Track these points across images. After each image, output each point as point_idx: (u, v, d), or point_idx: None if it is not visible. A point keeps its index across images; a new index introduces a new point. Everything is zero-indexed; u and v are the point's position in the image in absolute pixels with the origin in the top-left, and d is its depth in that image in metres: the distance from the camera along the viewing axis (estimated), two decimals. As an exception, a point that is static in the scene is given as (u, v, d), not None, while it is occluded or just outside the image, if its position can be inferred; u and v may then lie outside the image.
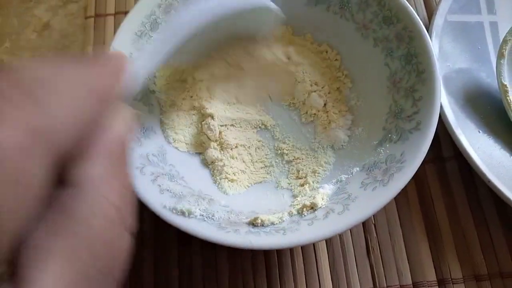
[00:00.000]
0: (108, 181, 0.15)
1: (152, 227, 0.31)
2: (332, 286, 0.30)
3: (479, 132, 0.32)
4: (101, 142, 0.15)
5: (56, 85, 0.14)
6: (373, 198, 0.25)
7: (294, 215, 0.26)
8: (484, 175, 0.29)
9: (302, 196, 0.28)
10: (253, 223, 0.25)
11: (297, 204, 0.27)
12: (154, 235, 0.31)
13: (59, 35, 0.39)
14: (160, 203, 0.25)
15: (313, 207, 0.26)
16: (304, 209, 0.26)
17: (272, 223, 0.25)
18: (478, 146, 0.31)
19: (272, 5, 0.29)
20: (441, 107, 0.31)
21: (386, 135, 0.29)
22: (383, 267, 0.30)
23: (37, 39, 0.39)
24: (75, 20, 0.40)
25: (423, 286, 0.30)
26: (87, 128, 0.15)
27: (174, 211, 0.25)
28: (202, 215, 0.25)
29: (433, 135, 0.26)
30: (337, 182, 0.28)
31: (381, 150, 0.28)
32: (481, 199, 0.32)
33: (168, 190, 0.26)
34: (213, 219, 0.25)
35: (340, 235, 0.31)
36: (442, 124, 0.31)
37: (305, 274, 0.30)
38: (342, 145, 0.31)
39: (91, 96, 0.15)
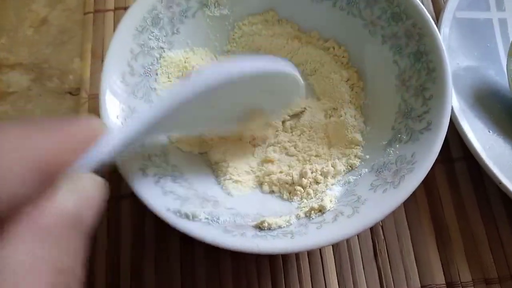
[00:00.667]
0: (33, 269, 0.12)
1: (153, 229, 0.31)
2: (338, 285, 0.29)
3: (489, 132, 0.31)
4: (32, 217, 0.13)
5: None
6: (383, 201, 0.24)
7: (302, 218, 0.26)
8: (495, 176, 0.29)
9: (309, 199, 0.28)
10: (259, 227, 0.25)
11: (304, 207, 0.27)
12: (155, 238, 0.30)
13: (57, 30, 0.38)
14: (164, 205, 0.24)
15: (321, 210, 0.25)
16: (312, 212, 0.25)
17: (279, 227, 0.25)
18: (488, 146, 0.30)
19: (298, 75, 0.27)
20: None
21: (395, 135, 0.28)
22: (391, 270, 0.30)
23: (35, 34, 0.38)
24: (73, 15, 0.39)
25: (431, 289, 0.29)
26: (16, 201, 0.13)
27: (178, 214, 0.24)
28: (207, 218, 0.24)
29: (444, 135, 0.25)
30: (345, 184, 0.28)
31: (391, 151, 0.27)
32: (490, 200, 0.32)
33: (171, 192, 0.25)
34: (218, 222, 0.24)
35: (347, 238, 0.30)
36: (452, 124, 0.31)
37: (311, 278, 0.29)
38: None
39: (26, 165, 0.13)
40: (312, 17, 0.33)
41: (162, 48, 0.31)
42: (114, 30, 0.35)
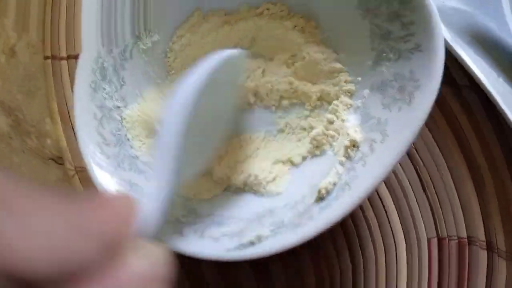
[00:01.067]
0: None
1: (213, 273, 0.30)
2: (404, 236, 0.30)
3: (498, 77, 0.31)
4: (111, 278, 0.14)
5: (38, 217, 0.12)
6: (405, 119, 0.24)
7: (345, 162, 0.26)
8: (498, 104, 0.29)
9: (336, 140, 0.28)
10: (320, 198, 0.24)
11: (339, 150, 0.27)
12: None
13: (24, 72, 0.36)
14: (221, 249, 0.23)
15: (354, 145, 0.26)
16: (349, 150, 0.26)
17: (334, 184, 0.25)
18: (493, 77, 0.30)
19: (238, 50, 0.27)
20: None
21: (379, 54, 0.28)
22: (441, 208, 0.30)
23: (6, 65, 0.35)
24: (36, 56, 0.37)
25: (475, 244, 0.30)
26: (85, 270, 0.13)
27: (241, 247, 0.23)
28: (273, 230, 0.23)
29: (443, 55, 0.24)
30: (356, 110, 0.28)
31: (383, 69, 0.27)
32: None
33: (224, 235, 0.25)
34: (285, 226, 0.23)
35: (394, 172, 0.31)
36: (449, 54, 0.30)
37: (378, 225, 0.30)
38: None
39: (82, 236, 0.14)
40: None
41: (118, 107, 0.29)
42: (71, 84, 0.35)
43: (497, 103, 0.29)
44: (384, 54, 0.27)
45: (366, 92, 0.28)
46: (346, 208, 0.22)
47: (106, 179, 0.25)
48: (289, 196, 0.27)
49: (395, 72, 0.26)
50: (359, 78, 0.29)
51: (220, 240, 0.24)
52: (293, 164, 0.29)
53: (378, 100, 0.27)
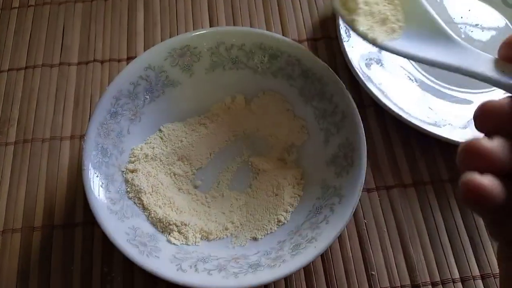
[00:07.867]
0: None
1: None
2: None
3: None
4: None
5: None
6: (352, 179, 0.32)
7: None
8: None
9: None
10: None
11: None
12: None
13: None
14: (217, 281, 0.29)
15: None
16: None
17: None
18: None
19: None
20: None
21: (326, 133, 0.36)
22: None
23: None
24: None
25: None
26: None
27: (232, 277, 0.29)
28: (251, 267, 0.30)
29: (358, 116, 0.34)
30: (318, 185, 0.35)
31: (330, 144, 0.36)
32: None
33: (212, 270, 0.30)
34: (262, 266, 0.30)
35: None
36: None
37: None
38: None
39: None
40: (208, 85, 0.39)
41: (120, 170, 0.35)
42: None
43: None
44: (329, 132, 0.36)
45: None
46: (313, 255, 0.29)
47: (117, 231, 0.30)
48: (257, 247, 0.33)
49: (339, 143, 0.34)
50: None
51: (212, 273, 0.29)
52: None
53: (332, 171, 0.34)
